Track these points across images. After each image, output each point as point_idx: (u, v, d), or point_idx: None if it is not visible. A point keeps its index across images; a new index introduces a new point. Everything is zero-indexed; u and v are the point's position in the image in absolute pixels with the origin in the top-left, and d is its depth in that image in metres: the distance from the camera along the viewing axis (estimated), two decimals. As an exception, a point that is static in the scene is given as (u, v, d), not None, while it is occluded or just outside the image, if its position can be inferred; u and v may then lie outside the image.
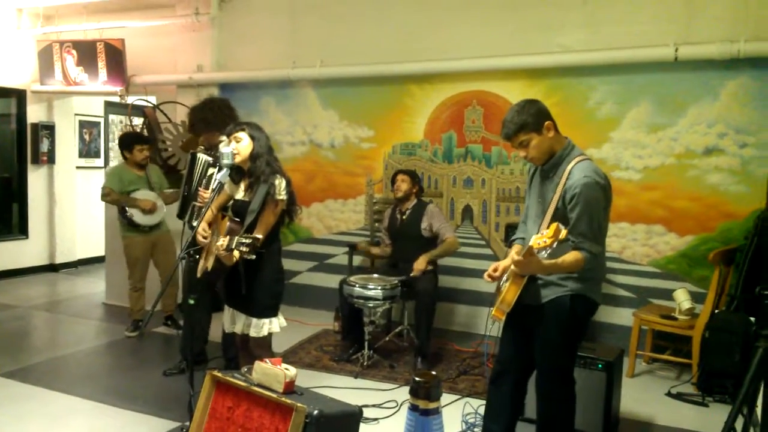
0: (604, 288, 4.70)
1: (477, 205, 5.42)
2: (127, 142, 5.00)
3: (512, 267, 2.53)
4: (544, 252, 2.36)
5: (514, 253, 2.66)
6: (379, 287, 4.20)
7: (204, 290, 3.70)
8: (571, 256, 2.47)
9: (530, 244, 2.37)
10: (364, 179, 5.81)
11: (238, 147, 3.04)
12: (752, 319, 3.84)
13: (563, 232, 2.32)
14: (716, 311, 4.03)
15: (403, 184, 4.70)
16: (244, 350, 3.27)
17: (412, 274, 4.41)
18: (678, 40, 4.46)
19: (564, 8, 4.92)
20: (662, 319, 4.23)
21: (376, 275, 4.50)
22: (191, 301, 3.13)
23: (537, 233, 2.44)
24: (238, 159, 3.04)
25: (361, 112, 5.77)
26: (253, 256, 2.83)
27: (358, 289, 4.21)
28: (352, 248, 5.13)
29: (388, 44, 5.51)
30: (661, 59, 4.53)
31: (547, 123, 2.56)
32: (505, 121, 2.58)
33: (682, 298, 4.26)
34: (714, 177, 4.55)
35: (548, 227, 2.36)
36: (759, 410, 2.81)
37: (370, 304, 4.20)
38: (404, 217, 4.73)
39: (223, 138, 3.29)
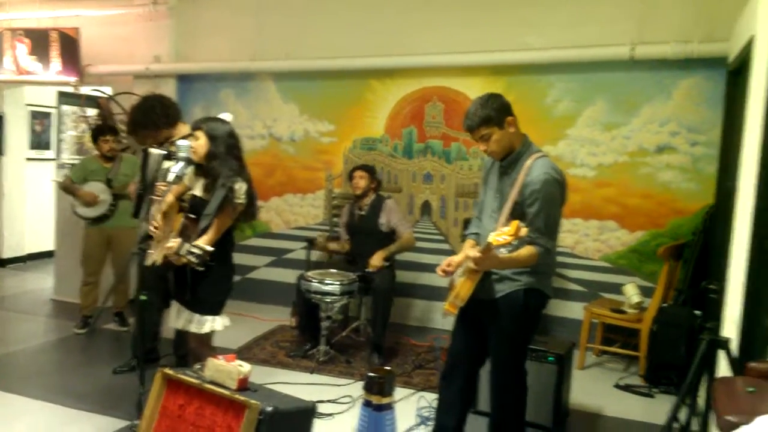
0: (557, 282, 4.81)
1: (436, 201, 5.45)
2: (95, 133, 4.99)
3: (468, 263, 2.55)
4: (504, 249, 2.38)
5: (470, 248, 2.67)
6: (337, 282, 4.19)
7: (155, 286, 3.64)
8: (526, 251, 2.50)
9: (488, 240, 2.38)
10: (324, 174, 5.78)
11: (194, 145, 2.99)
12: (698, 312, 3.96)
13: (524, 230, 2.34)
14: (664, 305, 4.13)
15: (362, 181, 4.68)
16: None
17: (367, 269, 4.41)
18: (634, 39, 4.55)
19: (525, 6, 4.97)
20: (612, 313, 4.33)
21: (333, 270, 4.49)
22: (143, 298, 3.07)
23: (494, 228, 2.46)
24: (195, 157, 2.99)
25: (322, 107, 5.74)
26: (201, 269, 2.82)
27: (315, 284, 4.19)
28: (311, 243, 5.10)
29: (349, 38, 5.49)
30: (617, 58, 4.62)
31: (509, 118, 2.59)
32: (468, 113, 2.60)
33: (631, 293, 4.37)
34: (665, 175, 4.67)
35: (509, 224, 2.38)
36: (701, 400, 2.91)
37: (327, 299, 4.19)
38: (362, 212, 4.72)
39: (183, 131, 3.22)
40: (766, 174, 2.81)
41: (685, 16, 4.49)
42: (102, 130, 4.99)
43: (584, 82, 4.86)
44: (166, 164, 3.70)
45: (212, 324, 3.05)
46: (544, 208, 2.51)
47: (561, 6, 4.87)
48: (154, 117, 3.73)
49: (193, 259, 2.77)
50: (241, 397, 2.48)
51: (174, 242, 2.86)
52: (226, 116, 3.20)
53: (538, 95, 4.97)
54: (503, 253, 2.41)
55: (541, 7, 4.92)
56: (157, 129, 3.75)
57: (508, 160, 2.65)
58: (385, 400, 2.83)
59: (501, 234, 2.34)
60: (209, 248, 2.84)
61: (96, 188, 4.85)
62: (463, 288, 2.53)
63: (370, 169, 4.78)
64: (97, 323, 4.96)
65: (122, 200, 4.88)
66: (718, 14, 4.32)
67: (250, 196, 3.03)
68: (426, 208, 5.49)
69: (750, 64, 2.97)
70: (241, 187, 2.96)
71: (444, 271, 2.66)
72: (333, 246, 4.86)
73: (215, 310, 3.08)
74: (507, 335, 2.66)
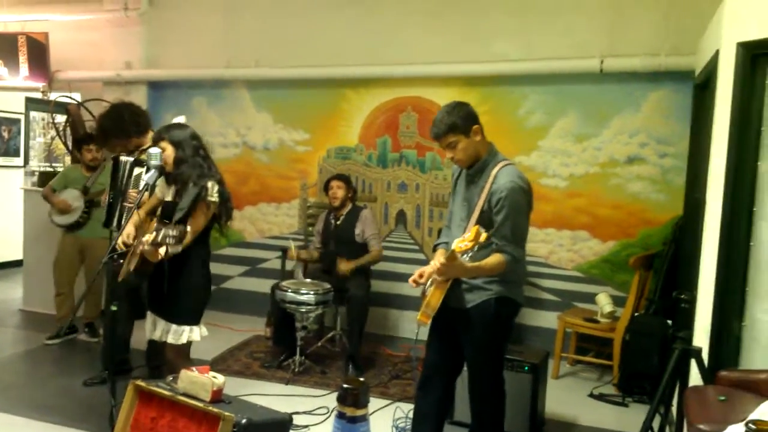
0: (532, 292, 4.86)
1: (411, 210, 5.46)
2: (78, 142, 4.95)
3: (435, 272, 2.56)
4: (465, 255, 2.41)
5: (439, 257, 2.69)
6: (312, 292, 4.17)
7: (126, 297, 3.58)
8: (494, 259, 2.52)
9: (452, 247, 2.42)
10: (299, 183, 5.76)
11: (164, 156, 2.96)
12: (669, 322, 4.03)
13: (483, 235, 2.38)
14: (636, 314, 4.19)
15: (339, 191, 4.67)
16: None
17: (337, 269, 4.44)
18: (604, 52, 4.63)
19: (498, 18, 5.03)
20: (585, 322, 4.38)
21: (308, 280, 4.47)
22: (113, 308, 3.02)
23: (461, 236, 2.48)
24: (167, 168, 2.97)
25: (297, 115, 5.72)
26: (179, 249, 2.74)
27: (290, 294, 4.16)
28: (285, 253, 5.06)
29: (324, 48, 5.49)
30: (587, 71, 4.70)
31: (475, 127, 2.62)
32: (435, 120, 2.62)
33: (603, 302, 4.42)
34: (635, 185, 4.75)
35: (470, 230, 2.41)
36: (674, 409, 2.95)
37: (303, 309, 4.16)
38: (338, 222, 4.71)
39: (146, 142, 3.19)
40: (733, 186, 2.88)
41: (653, 30, 4.58)
42: (85, 139, 4.94)
43: (556, 93, 4.93)
44: (137, 171, 3.68)
45: (190, 334, 3.01)
46: (511, 215, 2.53)
47: (534, 19, 4.94)
48: (123, 125, 3.68)
49: (170, 240, 2.66)
50: (214, 410, 2.45)
51: (149, 235, 2.80)
52: (180, 119, 3.19)
53: (511, 106, 5.03)
54: (465, 259, 2.43)
55: (514, 20, 4.99)
56: (127, 137, 3.71)
57: (475, 169, 2.68)
58: (359, 412, 2.81)
59: (463, 240, 2.39)
60: (187, 228, 2.78)
61: (70, 195, 4.80)
62: (434, 297, 2.54)
63: (346, 179, 4.77)
64: (66, 334, 4.84)
65: (96, 208, 4.81)
66: (685, 28, 4.41)
67: (223, 193, 3.01)
68: (401, 217, 5.50)
69: (715, 78, 3.05)
70: (213, 185, 2.94)
71: (416, 282, 2.66)
72: (304, 254, 4.81)
73: (193, 319, 3.03)
74: (481, 345, 2.67)
